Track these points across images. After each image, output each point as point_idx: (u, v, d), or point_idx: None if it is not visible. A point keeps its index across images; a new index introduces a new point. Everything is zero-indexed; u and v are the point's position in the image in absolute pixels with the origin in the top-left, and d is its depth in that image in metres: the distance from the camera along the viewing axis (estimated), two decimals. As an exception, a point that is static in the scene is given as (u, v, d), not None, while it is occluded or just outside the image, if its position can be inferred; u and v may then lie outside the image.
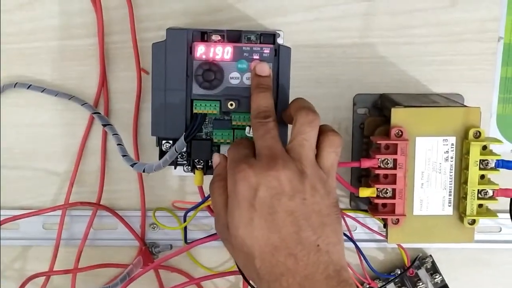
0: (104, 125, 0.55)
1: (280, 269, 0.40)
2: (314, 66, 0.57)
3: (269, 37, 0.49)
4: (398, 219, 0.50)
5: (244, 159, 0.43)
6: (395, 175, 0.50)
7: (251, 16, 0.57)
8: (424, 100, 0.54)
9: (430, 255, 0.59)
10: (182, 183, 0.59)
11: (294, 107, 0.46)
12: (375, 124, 0.55)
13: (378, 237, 0.59)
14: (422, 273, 0.59)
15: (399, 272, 0.59)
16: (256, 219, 0.41)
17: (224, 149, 0.50)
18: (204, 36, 0.49)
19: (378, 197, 0.50)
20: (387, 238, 0.52)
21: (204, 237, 0.55)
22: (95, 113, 0.56)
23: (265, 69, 0.48)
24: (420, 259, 0.59)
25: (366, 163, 0.50)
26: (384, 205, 0.51)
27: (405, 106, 0.50)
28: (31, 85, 0.56)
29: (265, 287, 0.41)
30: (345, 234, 0.57)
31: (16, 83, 0.56)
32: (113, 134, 0.54)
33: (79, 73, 0.58)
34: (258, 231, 0.41)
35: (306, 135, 0.44)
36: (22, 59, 0.57)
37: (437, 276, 0.58)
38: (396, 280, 0.59)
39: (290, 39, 0.55)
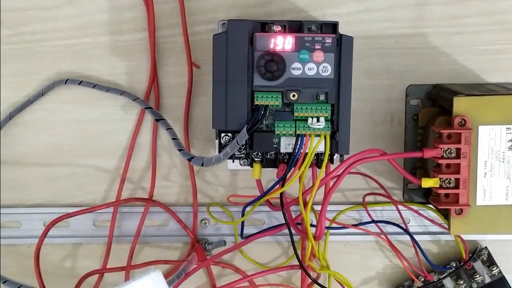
0: (157, 120, 0.54)
1: None
2: (366, 57, 0.57)
3: (330, 26, 0.48)
4: (461, 209, 0.49)
5: None
6: (458, 164, 0.49)
7: (302, 8, 0.56)
8: (482, 89, 0.53)
9: (486, 247, 0.58)
10: (233, 177, 0.59)
11: None
12: (430, 114, 0.55)
13: (432, 229, 0.58)
14: (478, 265, 0.58)
15: (454, 265, 0.58)
16: None
17: (285, 141, 0.49)
18: (264, 27, 0.48)
19: (441, 187, 0.50)
20: (449, 229, 0.51)
21: (260, 232, 0.55)
22: (147, 108, 0.55)
23: None
24: (477, 252, 0.58)
25: (429, 153, 0.49)
26: (446, 195, 0.50)
27: (467, 95, 0.50)
28: (82, 81, 0.56)
29: None
30: (400, 227, 0.57)
31: (67, 79, 0.56)
32: (167, 129, 0.53)
33: (128, 68, 0.57)
34: None
35: None
36: (72, 55, 0.57)
37: (494, 268, 0.57)
38: (452, 273, 0.58)
39: (342, 30, 0.54)
